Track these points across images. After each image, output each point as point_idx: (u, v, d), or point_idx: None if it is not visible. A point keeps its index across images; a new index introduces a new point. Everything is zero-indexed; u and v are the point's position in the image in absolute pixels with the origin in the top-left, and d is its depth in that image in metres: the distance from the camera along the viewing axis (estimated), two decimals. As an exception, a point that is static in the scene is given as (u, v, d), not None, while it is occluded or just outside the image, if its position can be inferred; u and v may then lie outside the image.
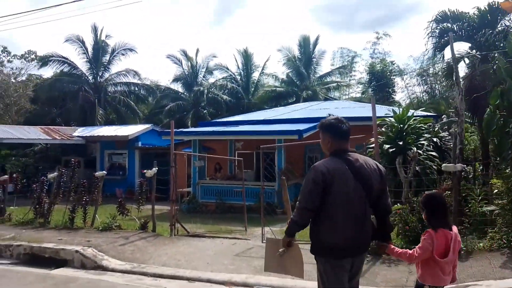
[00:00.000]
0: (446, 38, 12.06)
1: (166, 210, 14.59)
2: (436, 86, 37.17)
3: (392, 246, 3.05)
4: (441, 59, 13.07)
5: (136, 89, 30.32)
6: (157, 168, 8.90)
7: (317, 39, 30.28)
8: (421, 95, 35.61)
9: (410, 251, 3.01)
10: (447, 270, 2.96)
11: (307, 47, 30.20)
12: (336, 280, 2.83)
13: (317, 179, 2.77)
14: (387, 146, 8.29)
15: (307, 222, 2.88)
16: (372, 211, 2.97)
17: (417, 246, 2.99)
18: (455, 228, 3.04)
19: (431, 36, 12.28)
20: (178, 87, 32.26)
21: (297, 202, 2.89)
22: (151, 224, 8.94)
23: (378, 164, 3.03)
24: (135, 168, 19.40)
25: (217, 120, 19.06)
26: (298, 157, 15.94)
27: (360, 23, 66.43)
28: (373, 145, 8.95)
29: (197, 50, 31.38)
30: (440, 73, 17.65)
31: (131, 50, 29.56)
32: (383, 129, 9.30)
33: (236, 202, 14.07)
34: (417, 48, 66.81)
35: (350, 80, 33.68)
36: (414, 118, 8.94)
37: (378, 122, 11.22)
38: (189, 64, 31.32)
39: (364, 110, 17.37)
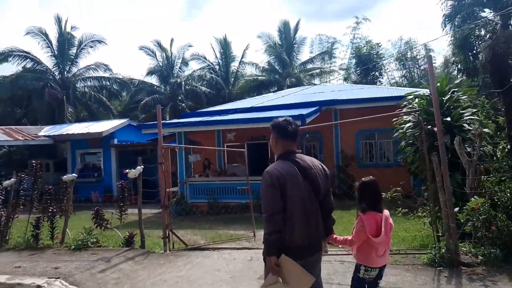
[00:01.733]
0: (464, 2, 10.44)
1: (151, 214, 12.55)
2: (415, 70, 36.27)
3: (334, 236, 3.05)
4: (451, 29, 11.43)
5: (108, 83, 27.61)
6: (142, 166, 6.85)
7: (297, 24, 28.47)
8: (400, 80, 34.60)
9: (349, 237, 3.10)
10: (381, 251, 3.04)
11: (287, 33, 28.30)
12: None
13: (274, 183, 2.70)
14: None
15: (281, 226, 2.66)
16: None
17: (353, 231, 3.09)
18: (386, 212, 3.10)
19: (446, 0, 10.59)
20: (153, 80, 29.81)
21: (263, 214, 2.73)
22: (138, 238, 6.90)
23: (323, 164, 2.99)
24: (112, 168, 17.11)
25: (202, 110, 16.96)
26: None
27: (332, 12, 65.07)
28: (407, 124, 7.23)
29: (172, 40, 29.02)
30: (451, 44, 15.90)
31: (100, 41, 26.84)
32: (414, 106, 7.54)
33: (232, 200, 12.18)
34: (392, 34, 66.13)
35: (330, 66, 32.07)
36: (453, 90, 7.23)
37: (395, 102, 9.55)
38: (164, 55, 28.91)
39: (363, 91, 15.78)
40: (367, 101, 13.29)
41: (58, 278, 5.26)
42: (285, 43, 28.34)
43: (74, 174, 7.59)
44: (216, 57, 29.67)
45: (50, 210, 7.56)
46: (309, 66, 29.47)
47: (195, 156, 11.09)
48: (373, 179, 3.21)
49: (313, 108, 12.57)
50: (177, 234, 7.23)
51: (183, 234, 8.73)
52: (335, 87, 17.37)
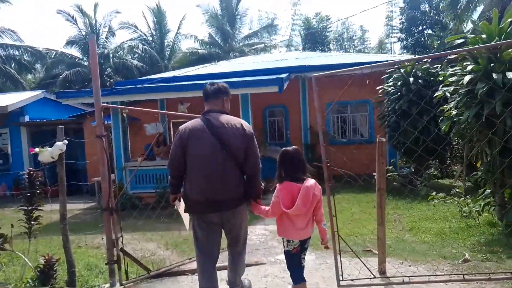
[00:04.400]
0: None
1: (78, 211, 9.23)
2: (351, 51, 35.57)
3: (254, 204, 2.99)
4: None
5: (17, 53, 22.35)
6: (66, 142, 3.77)
7: (241, -7, 25.41)
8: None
9: (266, 207, 2.96)
10: (298, 223, 2.85)
11: (229, 3, 25.24)
12: (204, 233, 2.88)
13: (177, 139, 2.82)
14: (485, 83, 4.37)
15: (178, 179, 2.91)
16: (241, 172, 2.89)
17: None
18: (309, 181, 2.84)
19: None
20: (74, 51, 24.96)
21: None
22: (63, 269, 3.86)
23: (244, 124, 2.91)
24: (23, 153, 13.06)
25: (141, 78, 13.56)
26: (257, 123, 11.58)
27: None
28: (466, 78, 5.02)
29: (96, 5, 24.36)
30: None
31: (2, 1, 21.38)
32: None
33: (186, 188, 9.35)
34: (330, 11, 65.17)
35: (273, 41, 29.77)
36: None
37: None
38: (87, 22, 24.20)
39: (332, 58, 13.64)
40: (343, 67, 11.09)
41: None
42: (226, 14, 25.29)
43: None
44: (149, 27, 25.74)
45: None
46: (253, 40, 26.81)
47: (155, 125, 7.89)
48: (295, 149, 2.99)
49: (285, 74, 10.07)
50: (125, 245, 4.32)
51: (130, 240, 5.93)
52: (299, 55, 15.04)
